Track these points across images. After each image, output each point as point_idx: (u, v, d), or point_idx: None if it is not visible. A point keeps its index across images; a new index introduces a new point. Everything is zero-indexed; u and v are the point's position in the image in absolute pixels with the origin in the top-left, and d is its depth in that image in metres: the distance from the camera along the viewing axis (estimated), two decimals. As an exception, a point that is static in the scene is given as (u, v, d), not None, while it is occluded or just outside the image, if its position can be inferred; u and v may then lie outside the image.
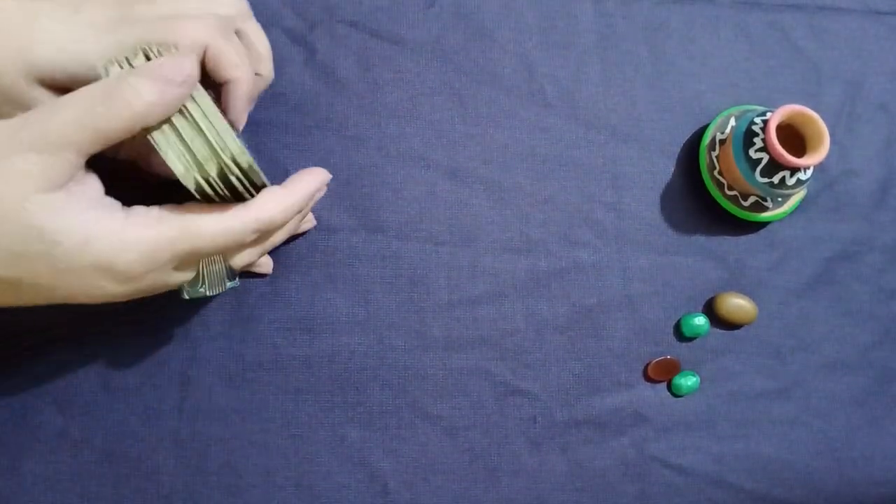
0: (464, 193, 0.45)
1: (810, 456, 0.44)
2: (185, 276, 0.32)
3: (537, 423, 0.43)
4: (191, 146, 0.29)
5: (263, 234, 0.33)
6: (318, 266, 0.43)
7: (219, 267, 0.33)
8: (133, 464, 0.40)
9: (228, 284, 0.34)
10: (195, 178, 0.29)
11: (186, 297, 0.33)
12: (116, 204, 0.30)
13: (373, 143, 0.44)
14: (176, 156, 0.29)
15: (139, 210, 0.30)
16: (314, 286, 0.43)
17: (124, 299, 0.30)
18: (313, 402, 0.42)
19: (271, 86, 0.45)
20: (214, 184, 0.30)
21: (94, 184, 0.29)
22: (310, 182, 0.35)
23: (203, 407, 0.41)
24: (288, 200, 0.33)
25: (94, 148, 0.27)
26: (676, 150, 0.47)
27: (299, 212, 0.34)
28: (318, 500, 0.41)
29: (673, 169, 0.47)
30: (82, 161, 0.27)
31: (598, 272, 0.45)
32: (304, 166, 0.43)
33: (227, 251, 0.32)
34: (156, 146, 0.29)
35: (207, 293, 0.33)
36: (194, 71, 0.29)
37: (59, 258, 0.27)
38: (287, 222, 0.34)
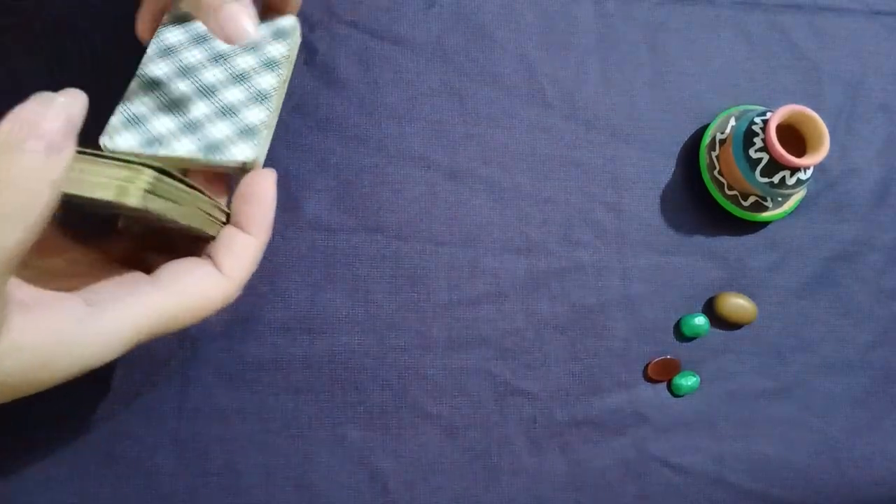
0: (464, 193, 0.45)
1: (810, 456, 0.44)
2: None
3: (537, 423, 0.43)
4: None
5: None
6: (318, 266, 0.43)
7: None
8: (133, 464, 0.40)
9: None
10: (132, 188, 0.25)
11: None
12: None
13: (373, 143, 0.44)
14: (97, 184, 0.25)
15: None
16: (314, 286, 0.43)
17: None
18: (313, 402, 0.42)
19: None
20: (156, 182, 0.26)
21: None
22: (269, 212, 0.32)
23: (203, 407, 0.41)
24: (262, 247, 0.31)
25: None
26: (676, 150, 0.47)
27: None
28: (318, 500, 0.41)
29: (673, 169, 0.47)
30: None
31: (598, 272, 0.45)
32: (305, 167, 0.44)
33: None
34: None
35: None
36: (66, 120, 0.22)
37: None
38: None
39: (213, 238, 0.31)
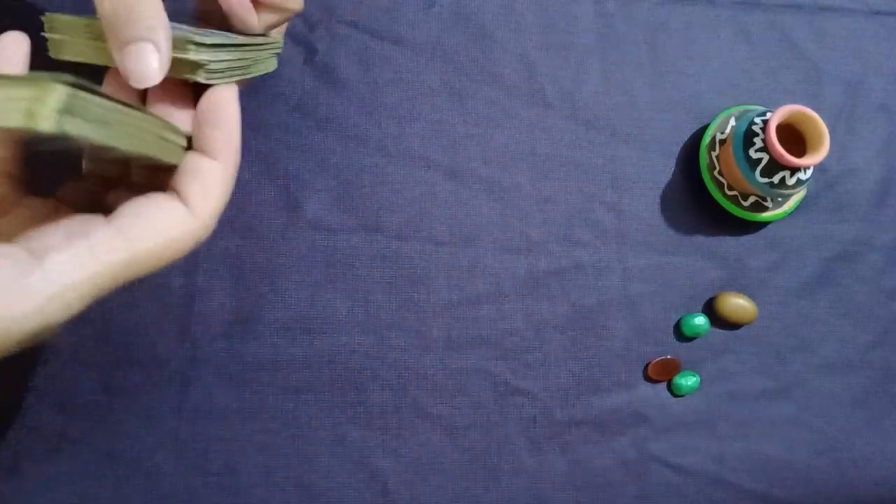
0: (464, 193, 0.45)
1: (810, 456, 0.44)
2: None
3: (537, 423, 0.43)
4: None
5: None
6: (318, 266, 0.43)
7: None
8: (133, 464, 0.40)
9: None
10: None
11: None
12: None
13: (373, 143, 0.44)
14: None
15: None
16: (314, 286, 0.43)
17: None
18: (313, 402, 0.42)
19: (271, 86, 0.45)
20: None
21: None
22: (235, 132, 0.27)
23: (203, 407, 0.41)
24: (232, 174, 0.27)
25: None
26: (676, 150, 0.47)
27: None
28: (318, 500, 0.41)
29: (673, 169, 0.47)
30: None
31: (598, 272, 0.45)
32: (305, 166, 0.44)
33: None
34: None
35: None
36: None
37: None
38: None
39: (175, 167, 0.27)
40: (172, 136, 0.27)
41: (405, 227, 0.44)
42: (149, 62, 0.25)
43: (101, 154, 0.28)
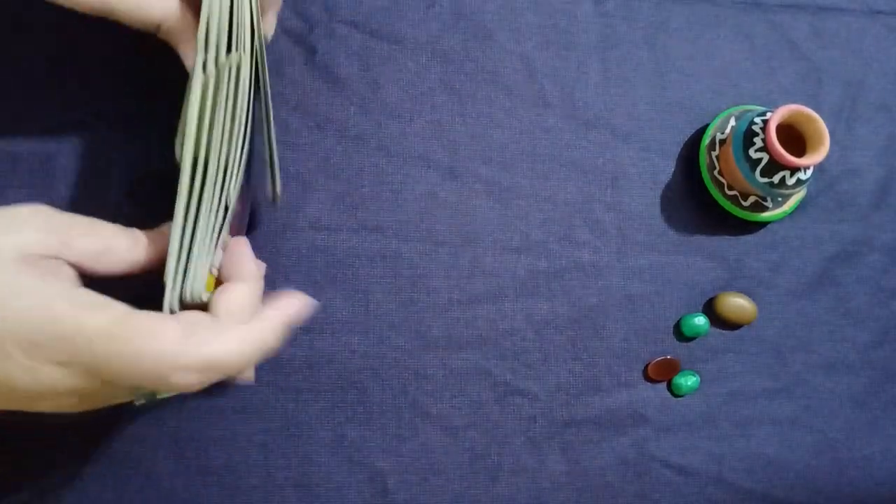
0: (464, 193, 0.45)
1: (810, 456, 0.44)
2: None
3: (537, 423, 0.43)
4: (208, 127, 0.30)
5: None
6: (318, 266, 0.43)
7: None
8: (133, 464, 0.40)
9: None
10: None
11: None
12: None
13: (373, 143, 0.44)
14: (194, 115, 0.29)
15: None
16: (314, 286, 0.43)
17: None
18: (313, 402, 0.42)
19: (271, 86, 0.45)
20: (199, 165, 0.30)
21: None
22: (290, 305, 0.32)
23: (203, 407, 0.41)
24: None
25: None
26: (676, 150, 0.47)
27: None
28: (318, 500, 0.41)
29: (673, 169, 0.47)
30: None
31: (598, 272, 0.45)
32: (305, 166, 0.44)
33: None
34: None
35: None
36: None
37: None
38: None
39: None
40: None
41: (405, 227, 0.44)
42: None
43: None
